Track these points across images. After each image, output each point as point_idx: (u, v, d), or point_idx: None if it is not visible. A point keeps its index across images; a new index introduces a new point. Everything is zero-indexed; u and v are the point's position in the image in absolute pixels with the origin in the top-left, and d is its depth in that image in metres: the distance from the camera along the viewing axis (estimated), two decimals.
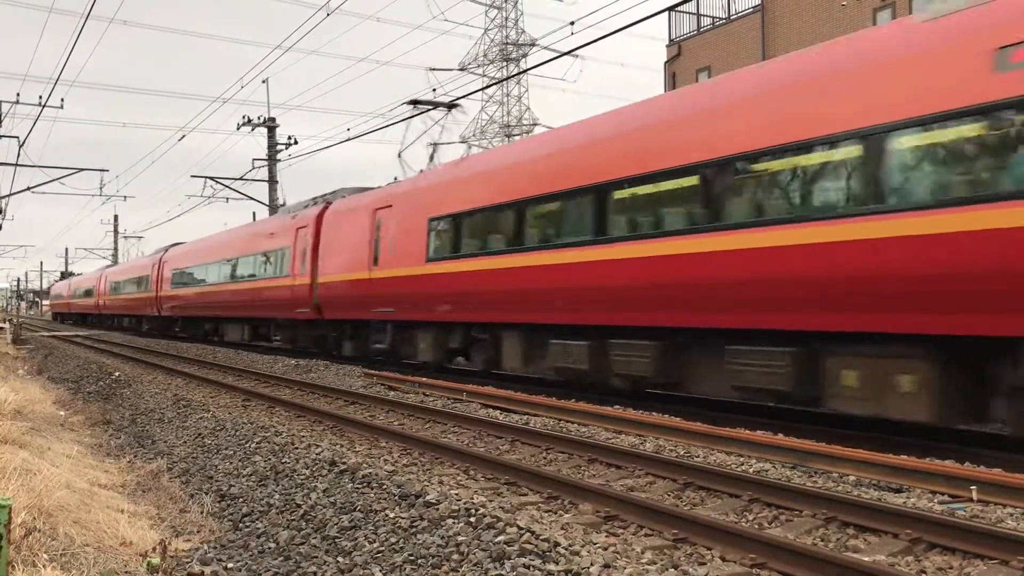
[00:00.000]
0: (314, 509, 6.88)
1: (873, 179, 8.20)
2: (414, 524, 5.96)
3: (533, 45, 54.45)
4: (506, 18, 57.01)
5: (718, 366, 10.29)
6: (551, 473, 7.35)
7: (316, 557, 5.97)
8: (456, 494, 6.57)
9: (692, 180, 10.35)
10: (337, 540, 6.14)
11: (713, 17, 27.93)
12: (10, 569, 4.80)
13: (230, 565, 6.16)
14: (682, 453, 8.38)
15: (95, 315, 56.59)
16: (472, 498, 6.47)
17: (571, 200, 12.43)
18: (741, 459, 8.09)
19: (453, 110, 19.74)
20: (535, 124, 58.69)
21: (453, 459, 8.43)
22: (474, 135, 59.45)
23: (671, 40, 29.04)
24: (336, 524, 6.41)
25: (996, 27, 7.42)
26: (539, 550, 5.05)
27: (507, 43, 56.43)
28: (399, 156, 22.95)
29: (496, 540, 5.26)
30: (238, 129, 35.76)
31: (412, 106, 20.10)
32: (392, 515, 6.22)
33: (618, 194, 11.54)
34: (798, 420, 10.83)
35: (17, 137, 39.52)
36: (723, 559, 5.23)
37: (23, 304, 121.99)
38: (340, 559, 5.78)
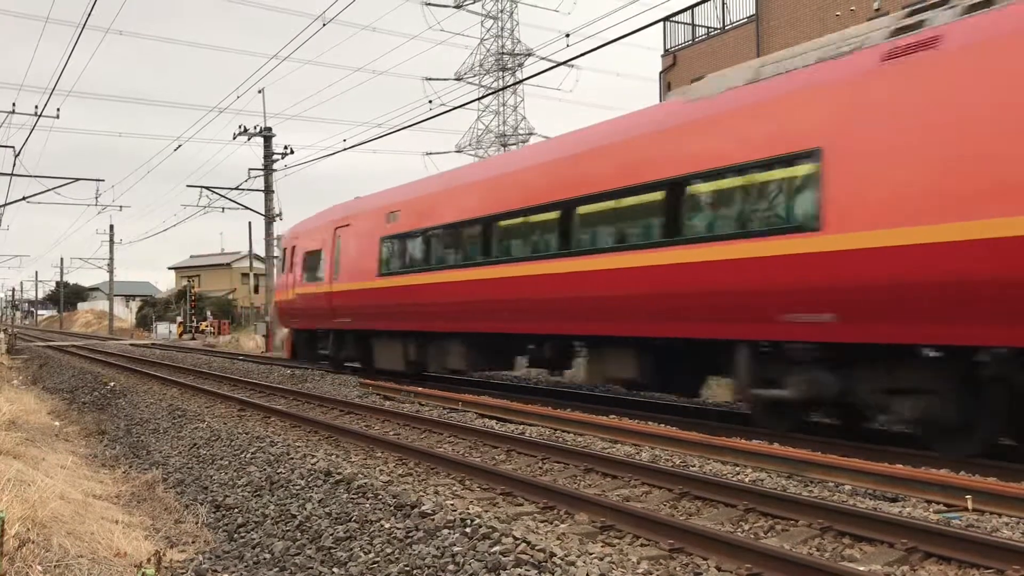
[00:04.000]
0: (309, 520, 6.86)
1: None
2: (410, 535, 5.95)
3: (529, 55, 54.62)
4: (502, 28, 57.18)
5: None
6: (547, 483, 7.34)
7: (311, 568, 5.95)
8: (452, 504, 6.56)
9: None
10: (332, 551, 6.12)
11: (708, 27, 28.04)
12: None
13: None
14: (678, 463, 8.38)
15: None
16: (468, 508, 6.46)
17: None
18: (737, 468, 8.09)
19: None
20: (531, 134, 58.85)
21: (449, 469, 8.42)
22: (470, 145, 59.55)
23: (666, 50, 29.13)
24: (331, 535, 6.40)
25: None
26: (535, 560, 5.04)
27: (503, 53, 56.59)
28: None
29: (492, 551, 5.26)
30: (234, 139, 35.81)
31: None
32: (388, 526, 6.21)
33: None
34: (794, 429, 10.83)
35: (12, 147, 39.64)
36: (719, 569, 5.23)
37: (18, 314, 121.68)
38: (335, 570, 5.77)
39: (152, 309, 70.82)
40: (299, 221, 24.21)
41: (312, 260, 21.58)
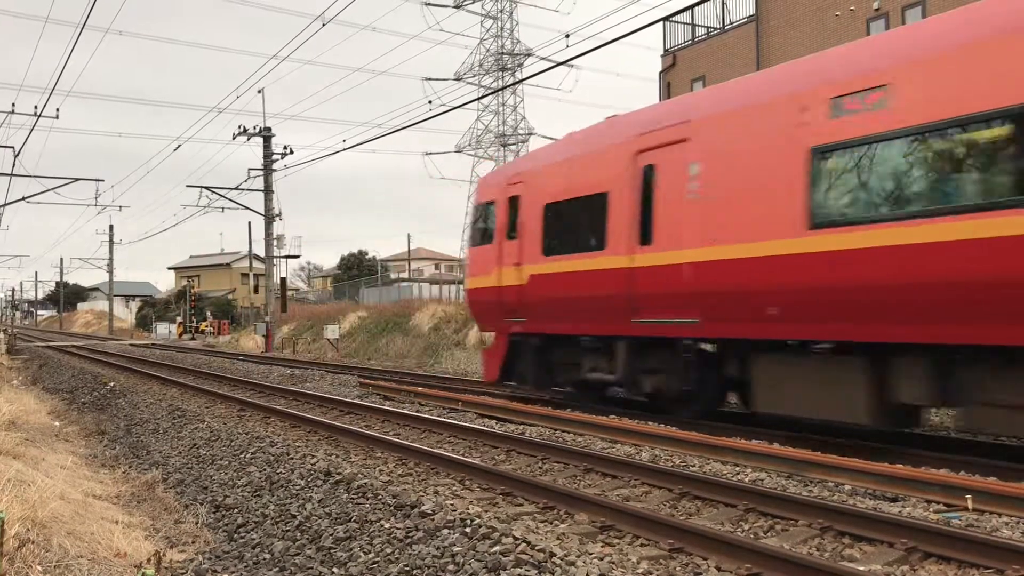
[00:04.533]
0: (309, 520, 6.86)
1: None
2: (409, 535, 5.95)
3: (528, 55, 54.62)
4: (501, 28, 57.19)
5: None
6: (547, 483, 7.34)
7: (311, 568, 5.95)
8: (452, 504, 6.56)
9: None
10: (332, 551, 6.12)
11: (708, 27, 28.05)
12: None
13: None
14: (678, 463, 8.37)
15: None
16: (468, 508, 6.46)
17: None
18: (737, 468, 8.09)
19: None
20: (531, 134, 58.83)
21: (449, 469, 8.42)
22: (470, 145, 59.55)
23: (666, 50, 29.15)
24: (331, 535, 6.39)
25: None
26: (535, 561, 5.04)
27: (503, 53, 56.59)
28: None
29: (492, 551, 5.25)
30: (234, 139, 35.82)
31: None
32: (387, 526, 6.21)
33: None
34: (793, 429, 10.83)
35: (12, 147, 39.72)
36: (719, 569, 5.22)
37: (18, 314, 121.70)
38: (335, 570, 5.77)
39: (152, 309, 70.86)
40: (511, 161, 14.09)
41: (570, 215, 12.68)
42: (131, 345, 43.35)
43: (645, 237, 11.09)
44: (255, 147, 36.26)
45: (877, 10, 22.00)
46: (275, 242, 37.24)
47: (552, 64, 22.39)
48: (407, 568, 5.42)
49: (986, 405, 7.95)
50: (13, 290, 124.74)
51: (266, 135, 36.23)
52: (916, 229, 7.90)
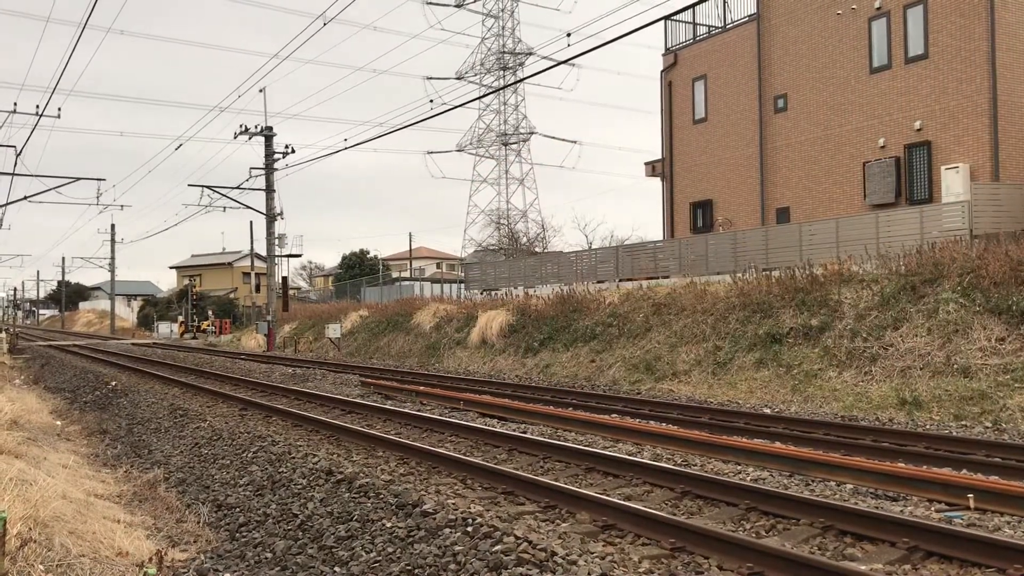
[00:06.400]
0: (311, 519, 6.87)
1: None
2: (411, 534, 5.95)
3: (530, 54, 54.62)
4: (503, 27, 57.20)
5: None
6: (548, 482, 7.33)
7: (313, 567, 5.95)
8: (453, 503, 6.56)
9: None
10: (334, 550, 6.13)
11: (709, 26, 28.04)
12: None
13: (227, 575, 6.14)
14: (680, 462, 8.37)
15: None
16: (469, 507, 6.46)
17: None
18: (739, 468, 8.09)
19: None
20: (532, 133, 58.83)
21: (450, 468, 8.42)
22: (471, 144, 59.56)
23: (667, 49, 29.14)
24: (333, 534, 6.40)
25: None
26: (536, 560, 5.04)
27: (504, 52, 56.60)
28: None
29: (493, 550, 5.26)
30: (235, 138, 35.83)
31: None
32: (389, 525, 6.21)
33: None
34: (795, 428, 10.83)
35: (14, 147, 39.76)
36: (720, 568, 5.22)
37: (20, 313, 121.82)
38: (337, 569, 5.77)
39: (154, 308, 70.91)
40: None
41: None
42: (133, 344, 43.38)
43: None
44: (256, 146, 36.35)
45: (879, 9, 21.97)
46: (277, 241, 37.28)
47: (553, 63, 22.38)
48: (409, 567, 5.42)
49: None
50: (15, 289, 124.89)
51: (267, 134, 36.25)
52: None
